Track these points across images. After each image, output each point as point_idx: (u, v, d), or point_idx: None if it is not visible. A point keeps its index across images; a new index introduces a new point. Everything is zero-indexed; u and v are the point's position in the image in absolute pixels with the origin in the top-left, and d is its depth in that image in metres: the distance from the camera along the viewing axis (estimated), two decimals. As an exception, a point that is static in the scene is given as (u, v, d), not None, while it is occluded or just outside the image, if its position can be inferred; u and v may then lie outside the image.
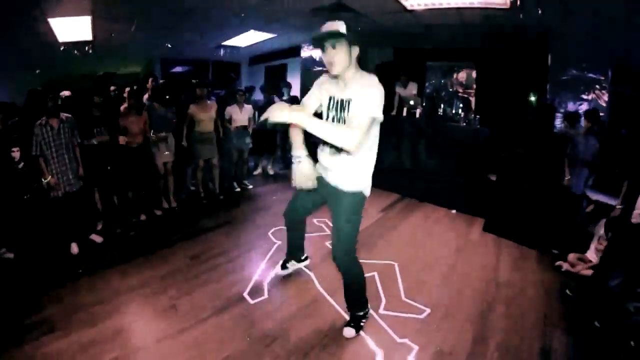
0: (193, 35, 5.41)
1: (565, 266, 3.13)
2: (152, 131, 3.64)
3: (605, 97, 4.29)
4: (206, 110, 4.05)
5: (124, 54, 5.53)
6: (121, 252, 3.03)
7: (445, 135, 4.77)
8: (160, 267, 2.81)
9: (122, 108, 3.49)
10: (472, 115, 5.04)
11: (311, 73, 6.80)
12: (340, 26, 1.70)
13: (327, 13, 4.33)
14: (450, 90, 6.35)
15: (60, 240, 3.04)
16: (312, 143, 1.95)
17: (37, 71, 4.58)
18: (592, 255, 3.13)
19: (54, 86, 2.95)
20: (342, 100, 1.83)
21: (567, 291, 2.77)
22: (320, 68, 6.75)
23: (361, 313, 2.19)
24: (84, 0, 3.71)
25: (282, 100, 5.68)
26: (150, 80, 4.08)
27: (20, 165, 2.90)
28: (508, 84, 5.19)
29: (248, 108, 4.67)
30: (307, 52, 6.74)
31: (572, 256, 3.18)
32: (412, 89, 5.56)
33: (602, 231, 3.11)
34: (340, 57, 1.74)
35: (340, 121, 1.84)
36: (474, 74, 6.04)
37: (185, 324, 2.16)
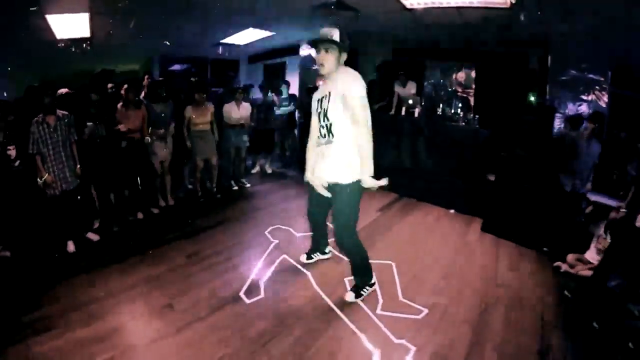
0: (192, 33, 5.38)
1: (564, 267, 3.12)
2: (149, 129, 3.61)
3: (605, 98, 4.28)
4: (202, 114, 4.04)
5: (123, 52, 5.49)
6: (118, 251, 3.01)
7: (444, 135, 4.77)
8: (156, 266, 2.79)
9: (119, 105, 3.47)
10: (471, 115, 5.04)
11: (310, 71, 6.78)
12: (335, 33, 2.01)
13: (326, 11, 4.30)
14: (450, 90, 6.33)
15: (56, 238, 3.03)
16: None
17: (34, 71, 4.55)
18: (591, 255, 3.12)
19: (52, 84, 2.92)
20: (324, 96, 2.13)
21: (566, 292, 2.77)
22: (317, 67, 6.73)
23: (362, 283, 2.43)
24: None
25: (280, 98, 5.67)
26: (146, 77, 4.06)
27: (17, 164, 2.88)
28: (507, 84, 5.18)
29: (246, 106, 4.66)
30: (305, 50, 6.72)
31: (571, 257, 3.17)
32: (411, 88, 5.55)
33: (601, 231, 3.11)
34: (330, 60, 2.04)
35: (321, 114, 2.14)
36: (473, 74, 6.03)
37: (181, 323, 2.15)
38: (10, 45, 4.39)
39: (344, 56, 2.08)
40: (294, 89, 6.76)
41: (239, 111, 4.55)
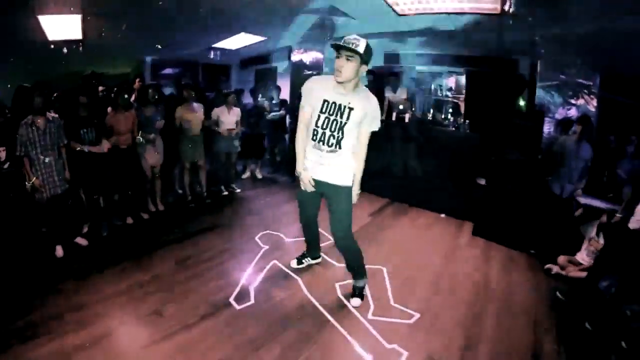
0: (184, 37, 5.36)
1: (555, 269, 3.16)
2: (139, 132, 3.57)
3: (594, 102, 4.39)
4: (193, 113, 4.01)
5: (114, 55, 5.44)
6: (107, 256, 2.95)
7: (435, 139, 4.81)
8: (146, 272, 2.74)
9: (109, 109, 3.42)
10: (462, 120, 5.10)
11: (301, 76, 6.80)
12: (362, 44, 1.92)
13: (317, 15, 4.34)
14: (440, 95, 6.41)
15: (45, 243, 2.97)
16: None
17: (24, 72, 4.46)
18: (582, 257, 3.17)
19: (43, 84, 2.86)
20: (341, 105, 2.06)
21: (558, 294, 2.80)
22: (311, 72, 6.74)
23: (362, 284, 2.52)
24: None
25: (271, 103, 5.66)
26: (137, 81, 4.02)
27: (6, 166, 2.81)
28: (497, 90, 5.27)
29: (236, 111, 4.63)
30: (297, 55, 6.74)
31: (562, 258, 3.21)
32: (402, 93, 5.59)
33: (593, 233, 3.16)
34: (349, 69, 1.97)
35: (335, 124, 2.07)
36: (463, 80, 6.13)
37: (171, 329, 2.11)
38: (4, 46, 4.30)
39: (364, 68, 2.04)
40: (285, 94, 6.78)
41: (229, 116, 4.52)
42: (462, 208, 4.38)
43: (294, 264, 2.90)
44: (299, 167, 2.32)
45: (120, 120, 3.37)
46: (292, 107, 5.92)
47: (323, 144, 2.13)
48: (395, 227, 4.04)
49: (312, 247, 2.91)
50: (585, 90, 4.38)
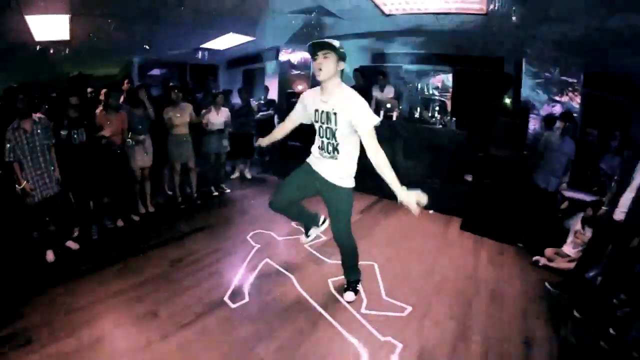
0: (171, 38, 5.32)
1: (543, 261, 3.27)
2: (129, 134, 3.54)
3: (578, 99, 4.53)
4: (181, 114, 4.00)
5: (101, 56, 5.35)
6: (99, 259, 2.93)
7: (422, 137, 4.88)
8: (139, 274, 2.74)
9: (97, 111, 3.38)
10: (448, 117, 5.19)
11: (289, 77, 6.82)
12: (335, 42, 2.00)
13: (306, 15, 4.36)
14: (427, 93, 6.51)
15: (35, 247, 2.93)
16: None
17: (9, 74, 4.36)
18: (568, 249, 3.29)
19: (28, 87, 2.81)
20: (327, 112, 2.09)
21: (547, 284, 2.90)
22: (298, 72, 6.76)
23: (355, 278, 2.57)
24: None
25: (258, 103, 5.67)
26: (125, 82, 3.98)
27: None
28: (483, 88, 5.38)
29: (225, 111, 4.63)
30: (285, 55, 6.75)
31: (549, 251, 3.33)
32: (389, 92, 5.65)
33: (578, 226, 3.28)
34: (328, 66, 2.00)
35: (328, 131, 2.12)
36: (450, 78, 6.23)
37: (167, 330, 2.12)
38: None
39: (342, 65, 2.06)
40: (273, 94, 6.79)
41: (218, 116, 4.51)
42: (450, 204, 4.47)
43: (303, 239, 2.75)
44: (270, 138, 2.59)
45: (111, 121, 3.34)
46: (280, 107, 5.93)
47: (324, 151, 2.20)
48: (385, 223, 4.11)
49: (308, 219, 2.69)
50: (570, 88, 4.52)
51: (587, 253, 2.83)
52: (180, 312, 2.29)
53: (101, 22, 4.28)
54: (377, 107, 5.57)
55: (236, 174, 5.66)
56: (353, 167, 2.24)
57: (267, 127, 5.88)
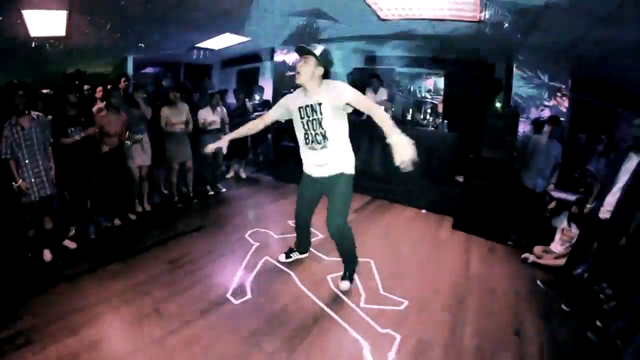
0: (166, 36, 5.30)
1: (532, 258, 3.42)
2: (127, 133, 3.54)
3: (566, 104, 4.74)
4: (178, 114, 4.02)
5: (95, 53, 5.27)
6: (97, 258, 2.91)
7: (415, 139, 4.98)
8: (139, 272, 2.74)
9: (94, 109, 3.37)
10: (440, 120, 5.33)
11: (284, 77, 6.87)
12: (317, 49, 2.15)
13: (303, 17, 4.42)
14: (419, 96, 6.66)
15: (31, 246, 2.89)
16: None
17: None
18: (556, 246, 3.45)
19: (24, 84, 2.76)
20: (311, 105, 2.24)
21: (538, 282, 3.04)
22: (293, 73, 6.82)
23: (351, 267, 2.67)
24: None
25: (253, 104, 5.70)
26: (122, 80, 3.96)
27: None
28: (474, 91, 5.54)
29: (221, 111, 4.66)
30: (280, 56, 6.80)
31: (537, 248, 3.48)
32: (383, 94, 5.75)
33: (564, 223, 3.44)
34: (305, 70, 2.17)
35: (315, 122, 2.26)
36: (442, 81, 6.39)
37: (171, 327, 2.13)
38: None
39: (320, 70, 2.19)
40: (268, 94, 6.82)
41: (214, 116, 4.54)
42: (442, 204, 4.62)
43: (282, 257, 3.03)
44: (232, 136, 2.67)
45: (112, 122, 3.34)
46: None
47: (315, 143, 2.32)
48: (379, 222, 4.21)
49: (302, 244, 3.04)
50: (558, 93, 4.73)
51: (574, 251, 2.98)
52: (183, 310, 2.31)
53: (95, 19, 4.24)
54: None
55: (231, 174, 5.68)
56: (348, 151, 2.37)
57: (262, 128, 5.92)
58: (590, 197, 2.87)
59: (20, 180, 2.67)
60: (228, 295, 2.50)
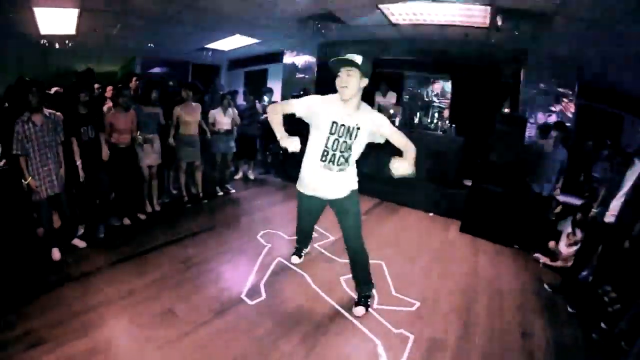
0: (176, 36, 5.31)
1: (543, 259, 3.51)
2: (138, 132, 3.54)
3: (572, 109, 4.79)
4: (191, 113, 4.03)
5: (103, 52, 5.28)
6: (107, 258, 2.89)
7: (423, 143, 5.00)
8: (150, 272, 2.72)
9: (104, 108, 3.38)
10: (448, 124, 5.34)
11: (293, 79, 6.89)
12: (358, 58, 1.95)
13: (312, 19, 4.45)
14: (426, 99, 6.68)
15: (41, 245, 2.87)
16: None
17: (9, 69, 4.26)
18: (563, 248, 3.50)
19: (39, 81, 2.75)
20: (349, 127, 2.08)
21: (545, 285, 3.08)
22: (303, 75, 6.84)
23: (368, 293, 2.48)
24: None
25: (262, 105, 5.72)
26: (133, 79, 3.96)
27: (2, 163, 2.70)
28: (482, 96, 5.57)
29: (232, 112, 4.68)
30: (289, 58, 6.82)
31: (552, 244, 3.56)
32: (391, 98, 5.79)
33: (569, 229, 3.48)
34: (352, 84, 1.97)
35: (343, 145, 2.10)
36: (449, 85, 6.42)
37: (187, 328, 2.12)
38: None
39: (365, 82, 2.02)
40: (277, 96, 6.84)
41: (225, 117, 4.55)
42: (449, 207, 4.64)
43: (295, 260, 3.03)
44: (280, 135, 2.15)
45: (120, 119, 3.34)
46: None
47: (333, 164, 2.15)
48: (387, 225, 4.23)
49: (305, 243, 3.10)
50: (565, 98, 4.77)
51: (579, 255, 3.03)
52: (198, 310, 2.30)
53: (104, 18, 4.24)
54: (379, 113, 5.69)
55: (239, 175, 5.69)
56: (355, 171, 2.32)
57: (270, 129, 5.93)
58: (595, 201, 2.92)
59: (30, 178, 2.65)
60: (243, 296, 2.50)
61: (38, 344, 1.90)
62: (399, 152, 2.09)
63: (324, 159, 2.16)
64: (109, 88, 3.65)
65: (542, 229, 3.85)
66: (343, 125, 2.07)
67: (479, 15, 3.92)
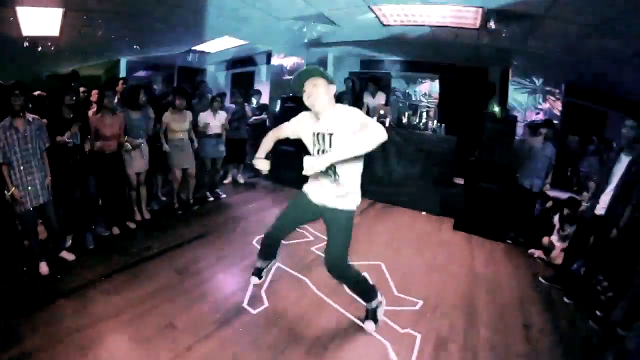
0: (161, 39, 5.16)
1: (537, 254, 3.63)
2: (125, 137, 3.40)
3: (559, 107, 4.96)
4: (181, 120, 3.91)
5: (86, 54, 5.05)
6: (98, 270, 2.74)
7: (413, 142, 5.05)
8: (146, 284, 2.61)
9: (90, 112, 3.23)
10: (437, 123, 5.40)
11: (281, 81, 6.83)
12: (317, 68, 1.89)
13: (306, 22, 4.40)
14: (415, 99, 6.75)
15: (26, 258, 2.72)
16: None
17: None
18: (556, 242, 3.61)
19: (21, 84, 2.59)
20: (323, 135, 1.91)
21: (540, 278, 3.19)
22: (290, 77, 6.79)
23: (374, 305, 2.25)
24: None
25: (251, 107, 5.62)
26: (120, 83, 3.81)
27: None
28: (469, 95, 5.67)
29: (222, 114, 4.57)
30: (277, 60, 6.75)
31: (546, 239, 3.64)
32: (380, 98, 5.79)
33: (558, 224, 3.59)
34: (321, 93, 1.85)
35: (324, 154, 1.90)
36: (437, 85, 6.50)
37: (189, 341, 2.03)
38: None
39: (333, 88, 1.90)
40: (265, 98, 6.75)
41: (215, 120, 4.45)
42: (441, 206, 4.69)
43: (255, 281, 2.49)
44: (258, 155, 2.25)
45: (106, 124, 3.19)
46: (273, 111, 5.90)
47: (325, 175, 1.97)
48: (383, 225, 4.24)
49: (267, 256, 2.49)
50: (552, 97, 4.94)
51: (571, 248, 3.15)
52: (200, 322, 2.21)
53: (89, 19, 4.06)
54: (368, 114, 5.69)
55: (228, 179, 5.58)
56: (356, 185, 2.02)
57: (259, 131, 5.85)
58: (581, 194, 3.01)
59: (13, 188, 2.49)
60: (244, 305, 2.44)
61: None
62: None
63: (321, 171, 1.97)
64: (94, 92, 3.47)
65: (535, 224, 3.96)
66: (319, 133, 1.94)
67: (469, 17, 3.99)
